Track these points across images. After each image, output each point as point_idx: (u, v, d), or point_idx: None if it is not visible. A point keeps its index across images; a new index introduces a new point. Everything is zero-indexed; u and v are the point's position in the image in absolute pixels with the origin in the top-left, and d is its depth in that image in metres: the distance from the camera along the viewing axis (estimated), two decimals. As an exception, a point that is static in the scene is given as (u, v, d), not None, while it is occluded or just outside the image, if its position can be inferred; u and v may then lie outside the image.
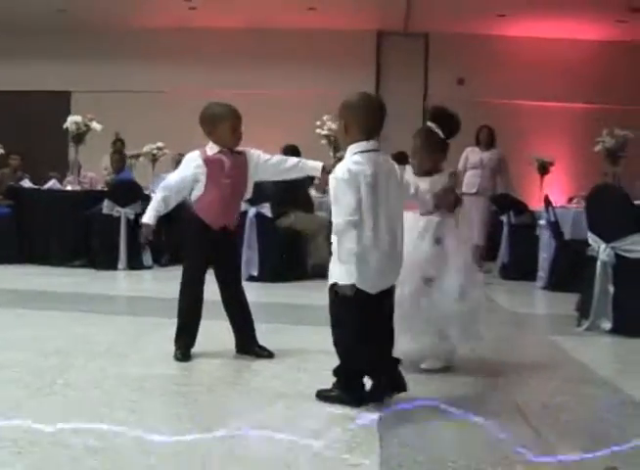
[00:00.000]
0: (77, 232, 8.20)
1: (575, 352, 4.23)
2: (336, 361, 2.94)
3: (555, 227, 7.35)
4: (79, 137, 8.63)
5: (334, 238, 2.79)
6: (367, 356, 2.85)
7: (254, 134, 11.84)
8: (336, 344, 2.91)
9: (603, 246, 4.98)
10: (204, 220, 3.71)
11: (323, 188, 3.97)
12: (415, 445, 2.43)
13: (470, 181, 8.90)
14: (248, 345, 3.82)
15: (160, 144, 10.88)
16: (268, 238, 7.48)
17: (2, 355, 3.64)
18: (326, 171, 3.68)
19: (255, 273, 7.44)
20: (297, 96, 12.90)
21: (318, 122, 9.67)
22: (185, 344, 3.73)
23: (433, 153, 3.59)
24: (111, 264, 8.01)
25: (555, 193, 9.94)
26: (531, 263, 7.77)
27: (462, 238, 3.70)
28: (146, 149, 10.83)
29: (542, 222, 7.55)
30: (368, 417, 2.71)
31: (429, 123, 3.61)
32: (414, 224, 3.43)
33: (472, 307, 3.49)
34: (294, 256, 7.68)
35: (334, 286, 2.83)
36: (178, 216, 9.06)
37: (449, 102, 13.53)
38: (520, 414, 2.86)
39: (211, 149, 3.75)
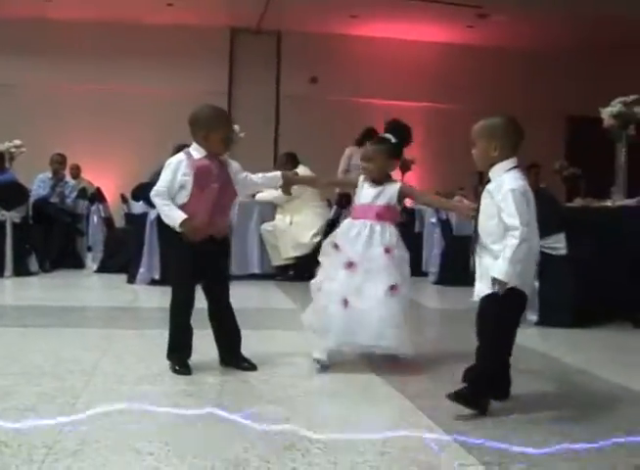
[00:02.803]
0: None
1: (528, 342, 4.53)
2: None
3: (446, 225, 7.78)
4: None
5: (513, 242, 2.85)
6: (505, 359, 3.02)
7: (110, 130, 11.69)
8: (490, 347, 2.95)
9: (528, 244, 5.39)
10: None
11: (289, 191, 4.10)
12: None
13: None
14: (235, 358, 3.69)
15: (17, 142, 10.33)
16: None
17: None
18: (286, 177, 3.95)
19: (157, 276, 7.33)
20: (150, 92, 12.66)
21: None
22: (181, 359, 3.58)
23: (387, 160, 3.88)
24: (-5, 271, 7.54)
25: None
26: (415, 259, 8.12)
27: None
28: (1, 147, 10.23)
29: (433, 220, 7.95)
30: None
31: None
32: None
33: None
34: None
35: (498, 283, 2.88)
36: (60, 220, 8.84)
37: (301, 100, 13.66)
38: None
39: (198, 152, 3.59)
